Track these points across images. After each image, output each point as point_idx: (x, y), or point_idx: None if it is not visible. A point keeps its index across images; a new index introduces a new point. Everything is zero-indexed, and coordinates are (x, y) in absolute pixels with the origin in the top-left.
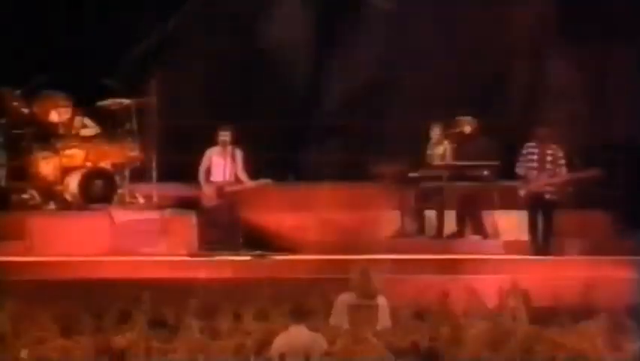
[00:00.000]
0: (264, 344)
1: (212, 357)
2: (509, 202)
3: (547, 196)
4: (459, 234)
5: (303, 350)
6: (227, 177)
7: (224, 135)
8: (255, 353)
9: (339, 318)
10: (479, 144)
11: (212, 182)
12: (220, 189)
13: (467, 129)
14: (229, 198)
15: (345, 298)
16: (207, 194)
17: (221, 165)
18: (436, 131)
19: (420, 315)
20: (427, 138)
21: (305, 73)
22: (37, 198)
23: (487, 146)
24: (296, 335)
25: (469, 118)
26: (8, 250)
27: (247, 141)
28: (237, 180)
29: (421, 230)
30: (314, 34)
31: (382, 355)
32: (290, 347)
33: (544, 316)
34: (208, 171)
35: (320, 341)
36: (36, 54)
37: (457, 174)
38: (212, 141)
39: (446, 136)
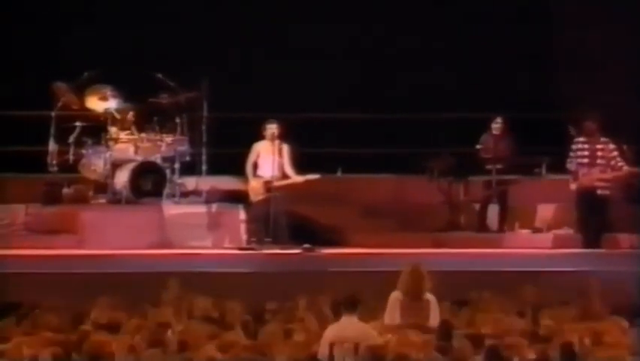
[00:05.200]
0: (315, 338)
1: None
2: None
3: (599, 192)
4: (508, 227)
5: (353, 341)
6: (275, 171)
7: (272, 128)
8: (306, 345)
9: (392, 314)
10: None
11: (259, 176)
12: (268, 184)
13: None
14: (277, 192)
15: (398, 295)
16: (255, 188)
17: (269, 158)
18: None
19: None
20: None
21: (353, 65)
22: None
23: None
24: (346, 326)
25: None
26: (60, 244)
27: (295, 135)
28: (284, 175)
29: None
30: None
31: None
32: (339, 337)
33: (593, 312)
34: (255, 165)
35: (370, 333)
36: (87, 48)
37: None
38: (260, 134)
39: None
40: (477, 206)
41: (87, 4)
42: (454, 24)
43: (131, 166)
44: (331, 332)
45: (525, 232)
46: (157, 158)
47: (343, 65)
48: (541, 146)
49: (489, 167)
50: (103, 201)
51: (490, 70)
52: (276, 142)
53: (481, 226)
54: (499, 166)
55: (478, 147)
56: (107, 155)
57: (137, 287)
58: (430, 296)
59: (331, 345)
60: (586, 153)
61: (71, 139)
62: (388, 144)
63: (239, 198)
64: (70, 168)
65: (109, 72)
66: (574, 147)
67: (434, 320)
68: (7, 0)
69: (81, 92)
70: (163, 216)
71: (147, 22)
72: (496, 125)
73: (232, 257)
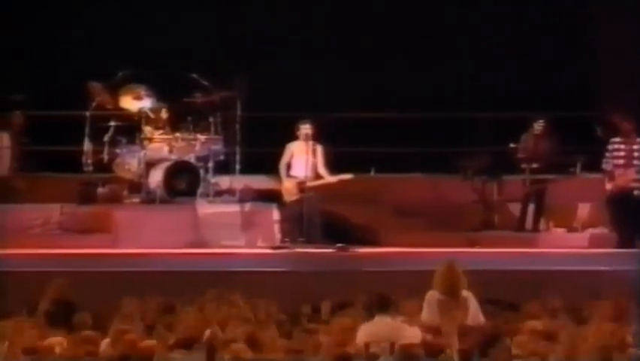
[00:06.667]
0: (347, 337)
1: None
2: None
3: (636, 192)
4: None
5: (388, 340)
6: (308, 172)
7: (305, 129)
8: (338, 345)
9: (430, 313)
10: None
11: (293, 176)
12: (301, 184)
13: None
14: (310, 193)
15: (435, 294)
16: (288, 188)
17: (303, 159)
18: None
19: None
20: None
21: (387, 64)
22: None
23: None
24: (380, 325)
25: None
26: (94, 243)
27: (328, 134)
28: (318, 175)
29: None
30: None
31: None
32: (374, 336)
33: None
34: (289, 166)
35: (406, 332)
36: (122, 48)
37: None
38: (293, 134)
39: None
40: (515, 205)
41: (122, 4)
42: (488, 22)
43: (165, 165)
44: (365, 331)
45: (560, 231)
46: (191, 157)
47: (377, 64)
48: (576, 145)
49: (523, 166)
50: (137, 200)
51: (524, 69)
52: (310, 143)
53: (521, 225)
54: (534, 165)
55: (512, 145)
56: (142, 154)
57: (170, 286)
58: (467, 294)
59: (366, 345)
60: (622, 153)
61: (106, 138)
62: (422, 143)
63: (272, 197)
64: (104, 167)
65: (143, 72)
66: (610, 147)
67: (473, 318)
68: (42, 1)
69: (115, 91)
70: (197, 216)
71: (182, 22)
72: (539, 126)
73: (265, 256)
